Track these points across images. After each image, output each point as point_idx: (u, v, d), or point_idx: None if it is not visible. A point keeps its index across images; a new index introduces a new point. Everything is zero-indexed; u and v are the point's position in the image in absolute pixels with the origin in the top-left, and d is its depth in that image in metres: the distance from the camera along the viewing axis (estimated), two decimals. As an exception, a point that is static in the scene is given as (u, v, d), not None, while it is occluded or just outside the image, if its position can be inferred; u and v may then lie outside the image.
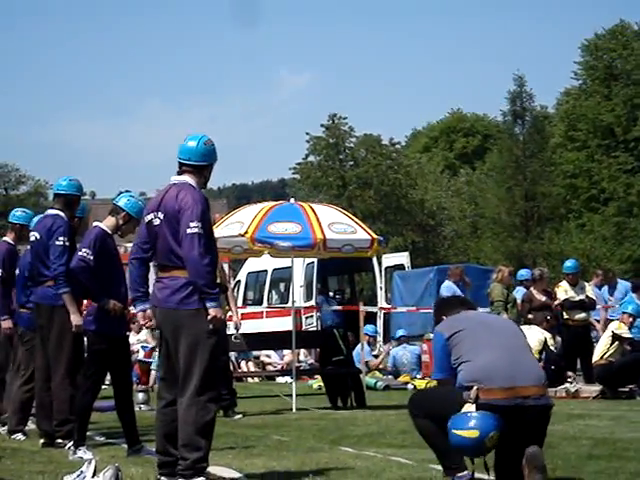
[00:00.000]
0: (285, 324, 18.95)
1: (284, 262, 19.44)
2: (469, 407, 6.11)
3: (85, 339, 8.93)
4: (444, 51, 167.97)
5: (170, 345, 6.86)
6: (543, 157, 46.13)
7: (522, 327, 11.44)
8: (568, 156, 48.98)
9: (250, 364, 20.77)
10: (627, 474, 6.73)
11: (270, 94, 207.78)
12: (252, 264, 25.03)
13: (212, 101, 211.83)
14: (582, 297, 15.94)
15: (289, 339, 13.53)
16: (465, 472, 6.24)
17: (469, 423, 6.02)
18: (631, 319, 14.83)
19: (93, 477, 5.78)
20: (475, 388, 6.17)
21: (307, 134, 53.92)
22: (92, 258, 8.43)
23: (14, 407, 10.16)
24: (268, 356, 21.34)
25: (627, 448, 8.19)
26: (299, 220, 13.21)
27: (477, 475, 6.48)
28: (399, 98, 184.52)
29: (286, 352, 20.20)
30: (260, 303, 25.05)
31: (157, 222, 6.93)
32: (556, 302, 15.88)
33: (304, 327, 22.21)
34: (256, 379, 20.06)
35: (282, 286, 25.37)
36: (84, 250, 8.47)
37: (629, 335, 14.58)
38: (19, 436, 9.93)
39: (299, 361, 19.90)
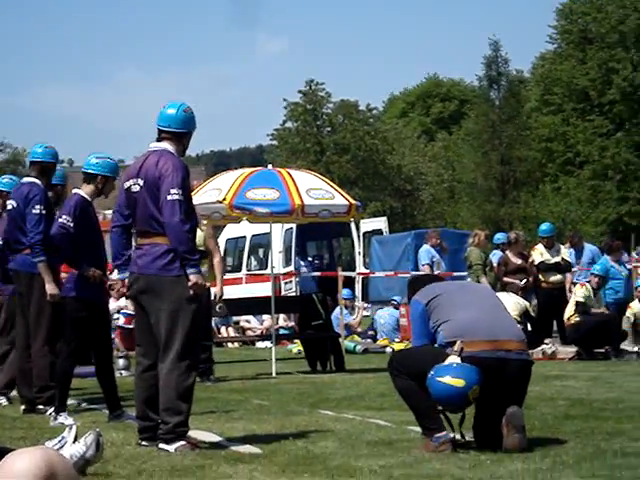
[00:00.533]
0: (264, 290, 19.02)
1: (263, 228, 19.46)
2: (453, 359, 6.18)
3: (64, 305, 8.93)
4: (420, 16, 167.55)
5: (150, 311, 6.89)
6: (519, 121, 46.27)
7: (500, 294, 11.56)
8: (543, 120, 49.09)
9: (230, 329, 20.82)
10: (603, 434, 6.82)
11: (247, 60, 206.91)
12: (231, 230, 25.04)
13: (189, 67, 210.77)
14: (557, 259, 16.06)
15: (268, 304, 13.58)
16: (444, 432, 6.30)
17: (455, 372, 6.08)
18: (597, 279, 14.97)
19: (74, 443, 5.80)
20: (459, 341, 6.24)
21: (284, 100, 53.88)
22: (72, 225, 8.43)
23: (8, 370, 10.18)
24: (248, 321, 21.40)
25: (603, 408, 8.29)
26: (277, 186, 13.21)
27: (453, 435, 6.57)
28: (376, 63, 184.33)
29: (265, 317, 20.27)
30: (239, 269, 25.09)
31: (137, 188, 6.93)
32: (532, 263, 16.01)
33: (283, 292, 22.28)
34: (236, 344, 20.12)
35: (261, 252, 25.43)
36: (64, 217, 8.47)
37: (581, 300, 14.71)
38: (3, 400, 9.96)
39: (279, 326, 19.98)
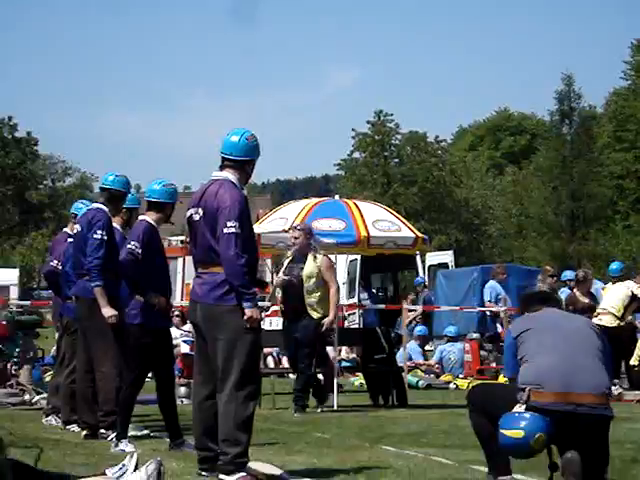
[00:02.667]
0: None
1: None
2: (518, 408, 6.06)
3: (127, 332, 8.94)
4: (492, 49, 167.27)
5: (208, 340, 6.88)
6: (590, 157, 45.85)
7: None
8: (616, 157, 48.62)
9: (292, 360, 20.75)
10: (672, 480, 6.65)
11: (317, 89, 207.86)
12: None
13: (258, 95, 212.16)
14: (628, 298, 15.78)
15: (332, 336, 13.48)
16: (509, 476, 6.18)
17: (515, 423, 5.97)
18: None
19: (135, 470, 5.78)
20: (528, 389, 6.11)
21: (353, 130, 53.96)
22: (140, 252, 8.46)
23: (65, 399, 10.24)
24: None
25: (672, 453, 8.09)
26: (343, 217, 13.18)
27: (522, 477, 6.44)
28: (445, 96, 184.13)
29: (329, 349, 20.17)
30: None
31: (197, 217, 6.95)
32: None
33: (346, 324, 22.16)
34: (297, 375, 20.02)
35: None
36: (133, 243, 8.50)
37: None
38: (74, 427, 9.98)
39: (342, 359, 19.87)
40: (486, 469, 6.45)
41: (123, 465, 5.85)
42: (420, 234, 13.75)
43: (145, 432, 9.66)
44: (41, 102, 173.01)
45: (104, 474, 5.85)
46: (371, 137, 53.45)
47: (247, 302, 6.73)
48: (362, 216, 13.23)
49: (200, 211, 6.92)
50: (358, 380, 17.05)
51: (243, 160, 7.03)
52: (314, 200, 13.98)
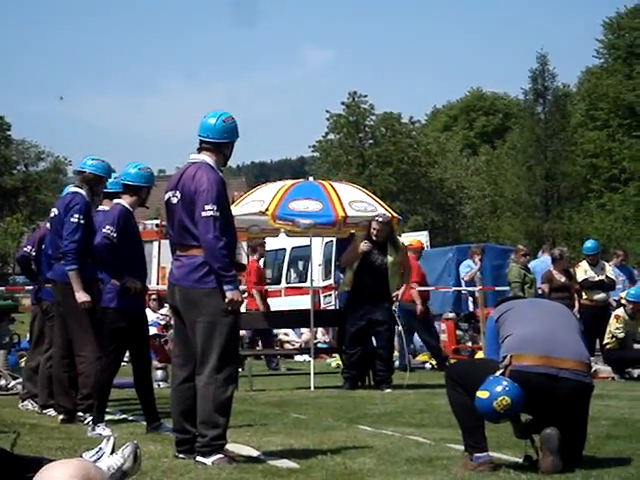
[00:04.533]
0: (303, 303, 18.95)
1: (303, 241, 19.42)
2: (497, 373, 6.11)
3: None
4: (465, 29, 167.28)
5: (187, 323, 6.88)
6: (564, 136, 45.96)
7: None
8: (589, 135, 48.79)
9: (268, 342, 20.79)
10: (646, 455, 6.70)
11: (291, 71, 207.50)
12: (271, 243, 25.01)
13: (232, 77, 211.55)
14: (602, 277, 15.91)
15: (308, 318, 13.52)
16: (485, 453, 6.22)
17: (485, 384, 6.05)
18: (631, 306, 14.71)
19: (112, 454, 5.77)
20: (509, 355, 6.16)
21: (327, 112, 53.90)
22: (115, 235, 8.43)
23: (42, 382, 10.21)
24: (286, 334, 21.35)
25: (646, 429, 8.16)
26: (320, 198, 13.20)
27: (499, 455, 6.48)
28: (419, 77, 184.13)
29: (304, 330, 20.21)
30: (278, 282, 25.04)
31: (174, 200, 6.94)
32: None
33: (322, 306, 22.20)
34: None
35: (301, 265, 25.37)
36: (108, 227, 8.46)
37: (620, 335, 14.61)
38: (51, 411, 9.96)
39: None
40: (462, 447, 6.49)
41: (100, 449, 5.84)
42: (395, 214, 13.77)
43: (122, 416, 9.66)
44: (13, 86, 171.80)
45: (81, 457, 5.84)
46: (345, 118, 53.43)
47: (228, 285, 6.72)
48: (338, 197, 13.25)
49: (178, 194, 6.91)
50: (335, 361, 17.09)
51: (220, 142, 7.01)
52: (290, 182, 13.97)
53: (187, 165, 7.03)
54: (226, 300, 6.71)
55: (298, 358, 19.12)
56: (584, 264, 16.12)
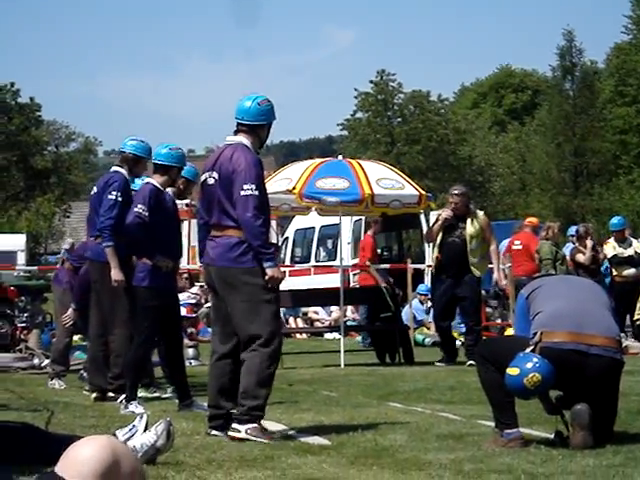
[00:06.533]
0: (333, 281, 19.00)
1: (332, 219, 19.43)
2: (527, 350, 6.12)
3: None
4: (493, 6, 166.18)
5: (227, 302, 6.93)
6: (593, 113, 45.68)
7: None
8: (618, 112, 48.43)
9: (298, 320, 20.86)
10: (677, 430, 6.71)
11: (317, 50, 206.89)
12: (300, 221, 25.04)
13: (258, 57, 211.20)
14: (630, 252, 15.85)
15: (337, 296, 13.56)
16: (515, 429, 6.24)
17: (516, 361, 6.05)
18: None
19: (145, 431, 5.83)
20: (539, 332, 6.17)
21: (355, 90, 53.75)
22: (147, 215, 8.47)
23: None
24: (316, 312, 21.41)
25: (677, 405, 8.15)
26: (347, 176, 13.21)
27: (529, 431, 6.50)
28: (447, 54, 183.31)
29: (334, 309, 20.26)
30: (308, 260, 25.08)
31: (211, 181, 7.00)
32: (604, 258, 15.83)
33: (351, 284, 22.23)
34: (304, 335, 20.14)
35: (330, 243, 25.37)
36: (139, 206, 8.51)
37: None
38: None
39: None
40: (493, 424, 6.51)
41: (133, 426, 5.90)
42: (424, 192, 13.77)
43: (156, 394, 9.74)
44: (43, 68, 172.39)
45: (114, 435, 5.91)
46: (374, 97, 53.26)
47: (268, 262, 6.80)
48: (366, 175, 13.25)
49: (215, 175, 6.97)
50: (360, 339, 17.14)
51: (255, 125, 7.06)
52: (318, 160, 14.00)
53: (224, 147, 7.10)
54: (266, 277, 6.78)
55: (328, 336, 19.17)
56: (612, 240, 16.09)
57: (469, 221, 12.84)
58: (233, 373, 6.93)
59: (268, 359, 6.79)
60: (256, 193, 6.79)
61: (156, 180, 8.72)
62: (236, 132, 7.11)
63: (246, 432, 6.69)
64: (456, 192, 12.96)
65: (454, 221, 12.83)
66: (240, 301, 6.83)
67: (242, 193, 6.78)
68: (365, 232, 19.83)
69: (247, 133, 7.05)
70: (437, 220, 13.16)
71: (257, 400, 6.78)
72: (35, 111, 57.97)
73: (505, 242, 17.66)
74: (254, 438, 6.64)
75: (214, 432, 6.93)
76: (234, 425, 6.76)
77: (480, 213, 13.31)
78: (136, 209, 8.51)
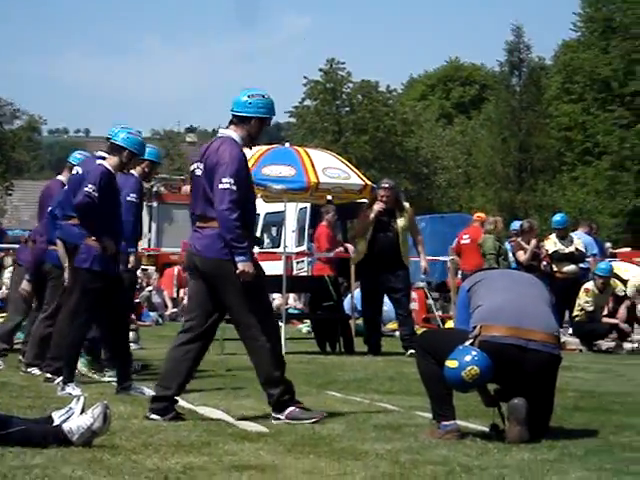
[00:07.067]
0: (276, 268, 18.98)
1: (277, 206, 19.42)
2: (466, 343, 6.16)
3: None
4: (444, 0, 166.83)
5: (218, 291, 7.02)
6: (539, 109, 46.00)
7: None
8: (564, 108, 48.81)
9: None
10: (612, 427, 6.79)
11: (269, 36, 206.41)
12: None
13: (211, 40, 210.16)
14: (571, 249, 16.01)
15: (280, 283, 13.55)
16: (452, 421, 6.28)
17: (455, 354, 6.09)
18: (602, 280, 14.87)
19: (81, 414, 5.80)
20: (479, 326, 6.21)
21: (304, 78, 53.66)
22: (97, 195, 8.40)
23: (33, 341, 10.25)
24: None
25: (613, 401, 8.26)
26: (293, 163, 13.22)
27: (466, 424, 6.55)
28: (397, 45, 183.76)
29: (276, 296, 20.23)
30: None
31: (199, 172, 7.08)
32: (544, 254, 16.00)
33: (295, 272, 22.23)
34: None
35: (274, 230, 25.36)
36: (90, 186, 8.43)
37: (589, 308, 14.79)
38: (34, 370, 9.97)
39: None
40: (430, 415, 6.55)
41: (70, 408, 5.87)
42: (369, 182, 13.79)
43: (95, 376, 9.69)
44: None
45: (50, 417, 5.87)
46: (322, 85, 53.21)
47: (239, 256, 6.84)
48: (312, 163, 13.27)
49: (201, 166, 7.06)
50: (305, 327, 17.14)
51: (242, 116, 7.10)
52: (264, 147, 13.96)
53: (214, 138, 7.21)
54: (237, 271, 6.84)
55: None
56: (553, 237, 16.24)
57: (399, 213, 12.83)
58: (193, 361, 7.07)
59: (267, 342, 6.96)
60: (234, 188, 6.83)
61: (109, 162, 8.64)
62: (229, 124, 7.19)
63: (286, 418, 6.88)
64: (386, 185, 12.91)
65: (384, 215, 12.81)
66: (229, 292, 6.94)
67: (220, 186, 6.85)
68: (317, 222, 19.80)
69: (237, 125, 7.13)
70: (363, 216, 13.09)
71: (279, 385, 6.97)
72: (-21, 88, 57.10)
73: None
74: (296, 422, 6.83)
75: (153, 416, 6.91)
76: (274, 415, 6.94)
77: (407, 205, 13.31)
78: (86, 189, 8.42)
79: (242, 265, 6.83)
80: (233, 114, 7.14)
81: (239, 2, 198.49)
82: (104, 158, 8.87)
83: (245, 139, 7.16)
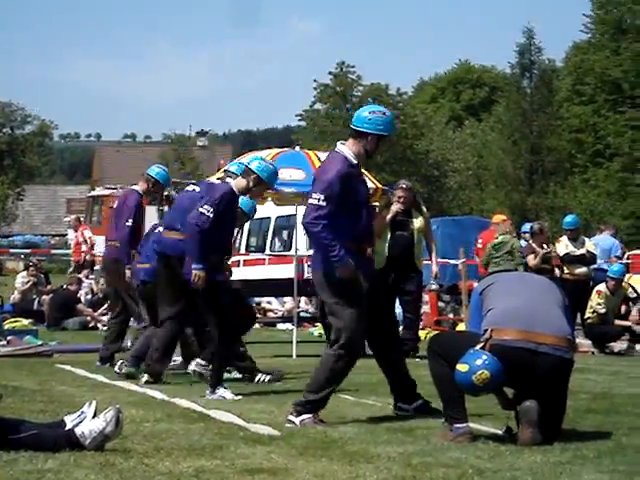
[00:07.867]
0: (287, 271, 18.98)
1: (288, 209, 19.41)
2: (477, 346, 6.14)
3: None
4: (455, 2, 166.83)
5: None
6: (550, 111, 45.91)
7: None
8: (575, 110, 48.72)
9: (251, 310, 20.83)
10: (624, 429, 6.77)
11: (280, 40, 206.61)
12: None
13: (221, 45, 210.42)
14: (582, 251, 15.96)
15: (291, 286, 13.54)
16: (464, 424, 6.27)
17: (466, 357, 6.08)
18: (614, 282, 14.87)
19: (94, 418, 5.80)
20: (490, 329, 6.19)
21: (315, 81, 53.69)
22: (212, 216, 8.44)
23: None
24: (269, 303, 21.38)
25: (625, 403, 8.23)
26: (304, 167, 13.21)
27: (479, 427, 6.54)
28: (407, 48, 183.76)
29: (287, 299, 20.24)
30: (262, 250, 25.05)
31: None
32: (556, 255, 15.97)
33: (306, 275, 22.23)
34: (257, 325, 20.10)
35: (285, 234, 25.34)
36: (206, 207, 8.50)
37: (601, 310, 14.76)
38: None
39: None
40: (442, 418, 6.54)
41: (82, 412, 5.88)
42: (380, 185, 13.78)
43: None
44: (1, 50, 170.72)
45: (63, 421, 5.88)
46: (333, 88, 53.24)
47: (337, 263, 6.96)
48: (323, 167, 13.24)
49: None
50: (317, 330, 17.14)
51: (358, 130, 7.14)
52: (275, 150, 13.98)
53: (330, 152, 7.58)
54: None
55: (280, 326, 19.17)
56: (564, 239, 16.20)
57: (416, 214, 12.82)
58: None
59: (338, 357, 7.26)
60: (322, 204, 6.95)
61: (235, 184, 8.77)
62: (348, 137, 7.28)
63: (300, 423, 6.92)
64: (404, 186, 12.87)
65: (402, 216, 12.76)
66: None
67: (310, 201, 7.05)
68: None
69: (354, 139, 7.18)
70: (381, 217, 13.03)
71: (319, 393, 7.07)
72: (-10, 93, 57.30)
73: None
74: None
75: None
76: (290, 417, 7.00)
77: (424, 208, 13.28)
78: (202, 209, 8.52)
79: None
80: (352, 128, 7.19)
81: (250, 6, 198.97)
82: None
83: (360, 155, 7.17)
